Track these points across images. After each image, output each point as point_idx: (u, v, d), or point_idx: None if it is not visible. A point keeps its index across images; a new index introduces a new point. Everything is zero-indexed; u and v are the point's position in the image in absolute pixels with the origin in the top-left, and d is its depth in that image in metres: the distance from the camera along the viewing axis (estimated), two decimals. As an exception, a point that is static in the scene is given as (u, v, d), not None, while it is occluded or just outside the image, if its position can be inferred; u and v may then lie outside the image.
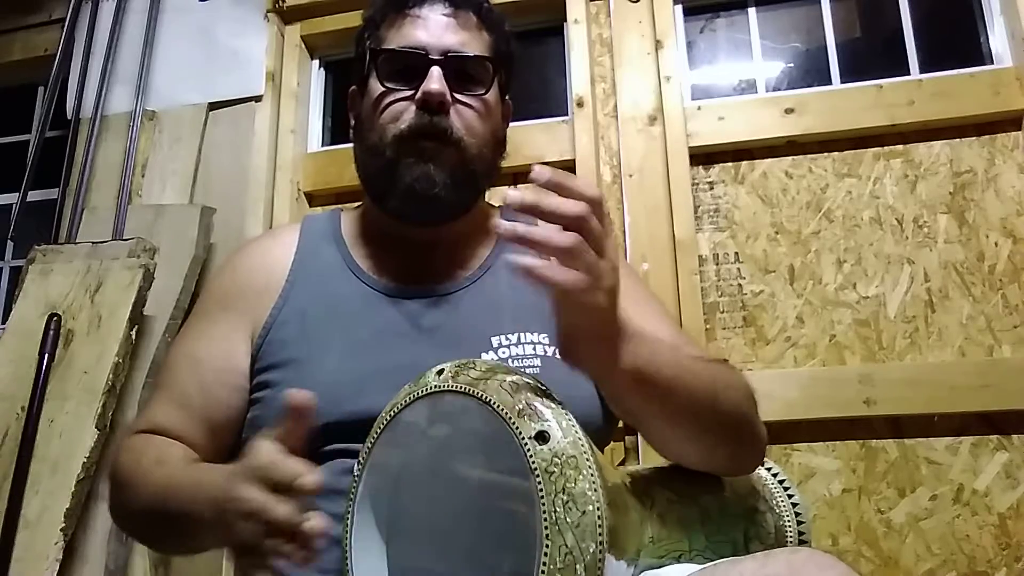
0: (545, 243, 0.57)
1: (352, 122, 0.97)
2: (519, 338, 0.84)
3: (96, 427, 1.43)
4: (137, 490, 0.78)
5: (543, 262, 0.57)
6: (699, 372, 0.73)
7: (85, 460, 1.41)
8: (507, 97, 0.98)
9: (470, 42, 0.90)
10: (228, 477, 0.63)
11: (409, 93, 0.87)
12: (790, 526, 0.84)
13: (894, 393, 1.43)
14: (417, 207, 0.88)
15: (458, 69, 0.88)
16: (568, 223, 0.58)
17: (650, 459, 1.42)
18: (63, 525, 1.36)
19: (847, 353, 1.51)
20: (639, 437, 1.46)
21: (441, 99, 0.85)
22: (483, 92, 0.90)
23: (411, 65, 0.87)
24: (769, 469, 0.89)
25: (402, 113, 0.87)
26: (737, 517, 0.80)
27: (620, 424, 1.33)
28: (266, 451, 0.62)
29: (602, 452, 0.71)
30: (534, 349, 0.83)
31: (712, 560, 0.69)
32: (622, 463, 1.47)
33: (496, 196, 1.15)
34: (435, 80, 0.85)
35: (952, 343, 1.47)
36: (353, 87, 0.98)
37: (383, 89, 0.89)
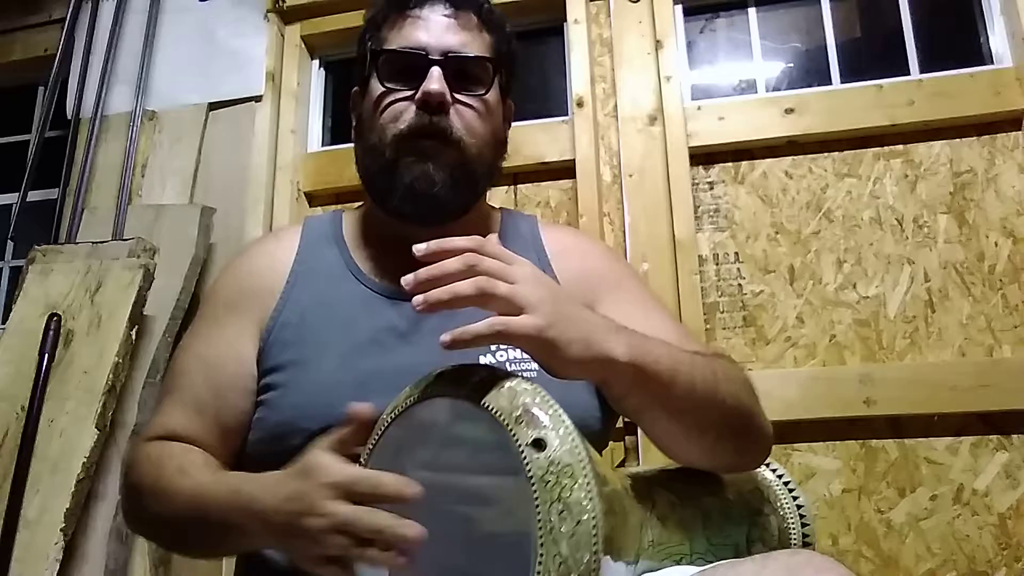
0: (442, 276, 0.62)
1: (354, 122, 0.97)
2: None
3: (96, 427, 1.43)
4: (165, 499, 0.78)
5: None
6: (697, 366, 0.73)
7: (85, 460, 1.41)
8: (508, 98, 0.98)
9: (471, 43, 0.90)
10: (298, 493, 0.63)
11: (409, 93, 0.87)
12: (794, 528, 0.84)
13: (894, 393, 1.43)
14: (416, 206, 0.88)
15: (458, 69, 0.88)
16: (462, 274, 0.62)
17: (650, 459, 1.43)
18: (63, 525, 1.36)
19: (847, 353, 1.51)
20: (639, 437, 1.46)
21: (441, 99, 0.85)
22: (483, 92, 0.90)
23: (411, 65, 0.87)
24: (775, 471, 0.88)
25: (402, 113, 0.87)
26: (740, 519, 0.79)
27: (620, 424, 1.33)
28: (335, 465, 0.63)
29: (600, 454, 0.70)
30: None
31: (714, 563, 0.69)
32: (622, 463, 1.47)
33: (497, 197, 1.15)
34: (435, 80, 0.85)
35: (952, 343, 1.47)
36: (355, 88, 0.98)
37: (383, 89, 0.89)
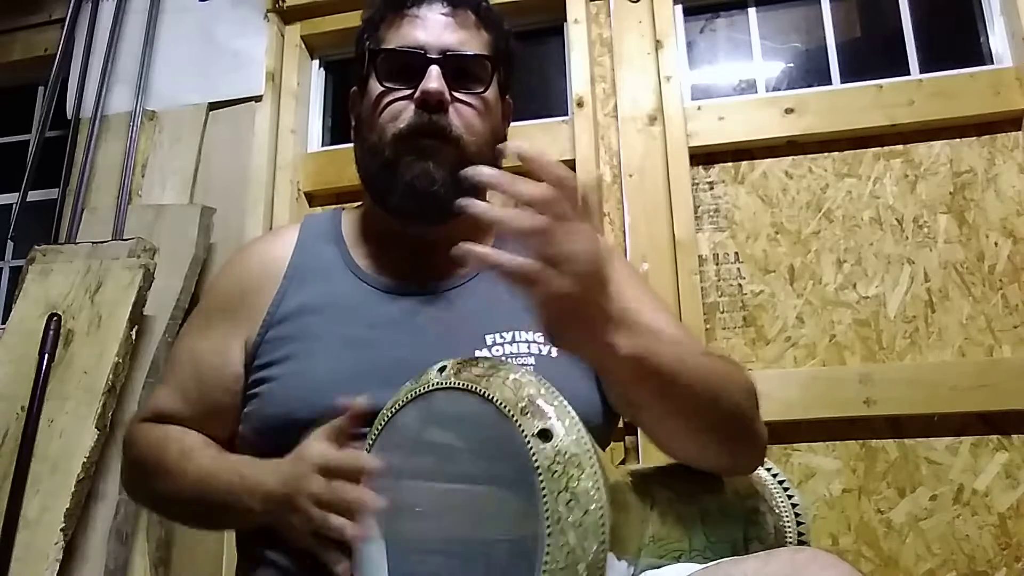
0: (516, 194, 0.62)
1: (353, 123, 0.97)
2: (513, 336, 0.84)
3: (96, 427, 1.43)
4: (170, 480, 0.84)
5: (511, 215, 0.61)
6: (700, 366, 0.73)
7: (85, 460, 1.41)
8: (507, 96, 0.98)
9: (469, 41, 0.90)
10: (292, 474, 0.73)
11: (408, 92, 0.87)
12: (790, 527, 0.84)
13: (894, 393, 1.43)
14: (417, 204, 0.88)
15: (457, 68, 0.88)
16: (537, 206, 0.61)
17: (650, 459, 1.42)
18: (63, 525, 1.36)
19: (847, 353, 1.51)
20: (639, 437, 1.46)
21: (440, 97, 0.85)
22: (482, 90, 0.90)
23: (410, 64, 0.88)
24: (769, 470, 0.89)
25: (401, 112, 0.87)
26: (737, 517, 0.79)
27: (620, 424, 1.33)
28: (322, 448, 0.72)
29: (603, 450, 0.70)
30: (528, 347, 0.83)
31: (712, 560, 0.69)
32: (622, 463, 1.47)
33: (497, 197, 1.15)
34: (433, 79, 0.86)
35: (952, 343, 1.47)
36: (354, 88, 0.98)
37: (382, 89, 0.89)
